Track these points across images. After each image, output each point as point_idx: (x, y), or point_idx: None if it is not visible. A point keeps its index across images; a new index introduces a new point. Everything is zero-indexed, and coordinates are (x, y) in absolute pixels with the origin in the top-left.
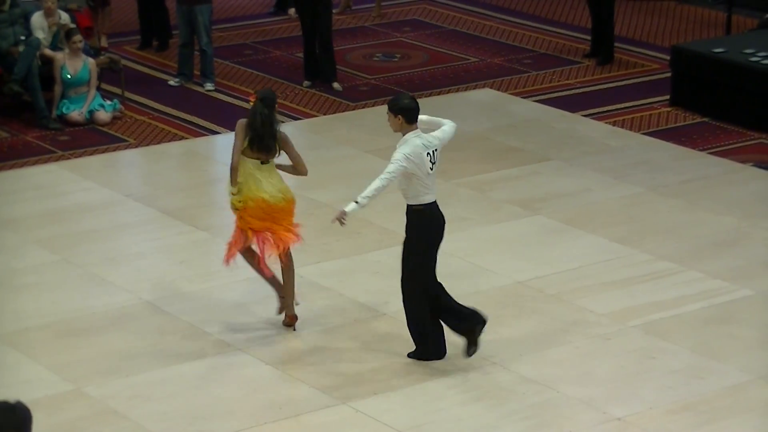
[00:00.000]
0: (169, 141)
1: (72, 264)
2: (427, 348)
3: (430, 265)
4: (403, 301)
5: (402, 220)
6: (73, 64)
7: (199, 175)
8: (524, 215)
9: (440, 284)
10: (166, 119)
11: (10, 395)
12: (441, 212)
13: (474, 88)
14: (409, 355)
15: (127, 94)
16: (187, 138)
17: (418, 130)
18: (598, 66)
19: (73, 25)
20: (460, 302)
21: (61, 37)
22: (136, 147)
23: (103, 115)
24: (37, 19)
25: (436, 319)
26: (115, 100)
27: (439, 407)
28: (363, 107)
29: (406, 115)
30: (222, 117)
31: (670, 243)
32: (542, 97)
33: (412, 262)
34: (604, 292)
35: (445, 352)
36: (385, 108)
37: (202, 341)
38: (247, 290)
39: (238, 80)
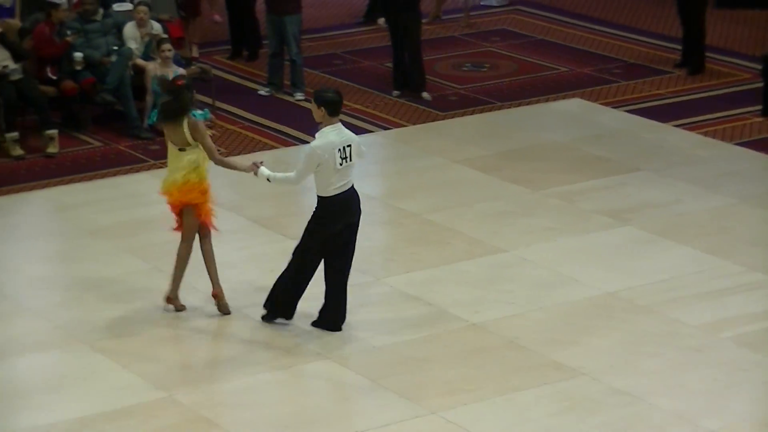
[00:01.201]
0: (259, 150)
1: (163, 272)
2: (277, 310)
3: (324, 247)
4: (287, 274)
5: (491, 231)
6: (164, 74)
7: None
8: (613, 226)
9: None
10: (256, 128)
11: (105, 403)
12: (348, 205)
13: (563, 98)
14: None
15: (218, 104)
16: (276, 147)
17: (339, 123)
18: (689, 76)
19: (164, 35)
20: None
21: (153, 47)
22: (226, 156)
23: None
24: (130, 29)
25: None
26: (206, 110)
27: (528, 417)
28: (452, 117)
29: (328, 108)
30: (311, 127)
31: (762, 254)
32: (632, 107)
33: (302, 245)
34: (696, 303)
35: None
36: (474, 118)
37: (291, 349)
38: None
39: None
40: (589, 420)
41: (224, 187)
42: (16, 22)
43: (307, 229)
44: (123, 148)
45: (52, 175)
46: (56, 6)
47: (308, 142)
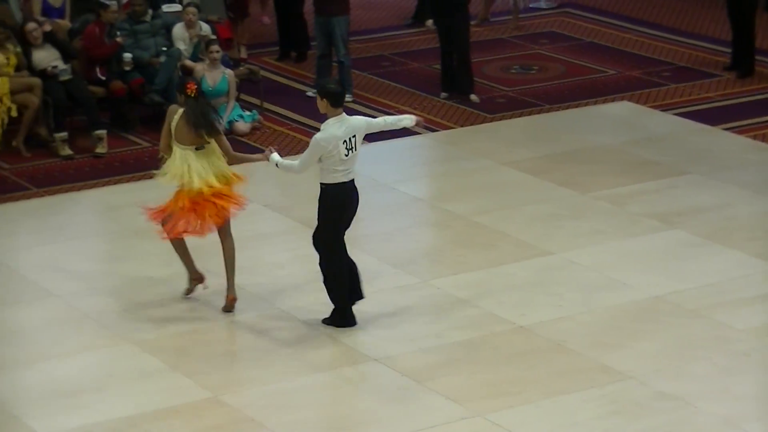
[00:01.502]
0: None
1: (211, 273)
2: (344, 315)
3: (338, 238)
4: (327, 273)
5: (539, 233)
6: (212, 76)
7: None
8: (662, 229)
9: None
10: (304, 130)
11: (151, 403)
12: (352, 193)
13: (611, 101)
14: (325, 321)
15: (266, 105)
16: None
17: (343, 114)
18: (738, 79)
19: (213, 36)
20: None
21: (201, 49)
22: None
23: (242, 126)
24: (179, 30)
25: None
26: (254, 111)
27: (574, 421)
28: (500, 119)
29: (330, 99)
30: None
31: None
32: (680, 110)
33: (323, 238)
34: (744, 307)
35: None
36: (522, 120)
37: (339, 351)
38: (383, 301)
39: (376, 92)
40: (636, 424)
41: (273, 189)
42: (65, 22)
43: (323, 224)
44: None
45: (101, 175)
46: (106, 7)
47: None
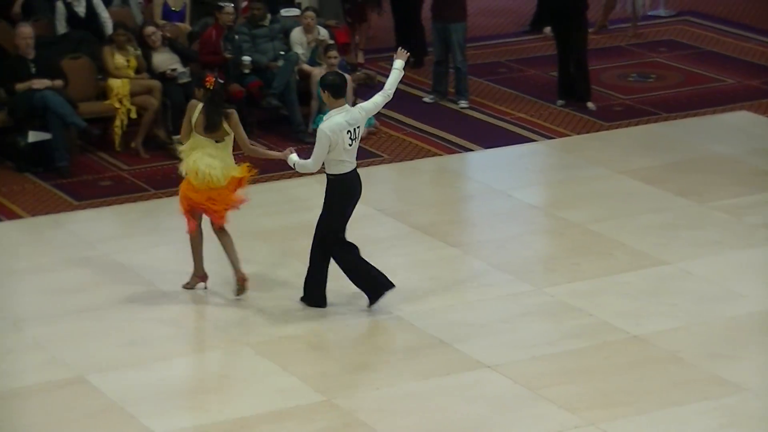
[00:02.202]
0: (422, 157)
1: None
2: (376, 288)
3: (341, 228)
4: (339, 263)
5: (654, 243)
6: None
7: (451, 192)
8: None
9: (350, 244)
10: (420, 135)
11: (264, 404)
12: (357, 182)
13: (730, 111)
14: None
15: (382, 110)
16: (439, 154)
17: (346, 105)
18: None
19: (331, 41)
20: None
21: (319, 53)
22: (390, 162)
23: None
24: (297, 34)
25: (325, 267)
26: (371, 116)
27: None
28: (616, 127)
29: (331, 90)
30: (475, 134)
31: None
32: None
33: (324, 226)
34: None
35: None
36: (639, 129)
37: (451, 357)
38: (496, 308)
39: (492, 98)
40: None
41: (388, 194)
42: (185, 26)
43: (330, 214)
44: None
45: None
46: (221, 8)
47: (472, 150)
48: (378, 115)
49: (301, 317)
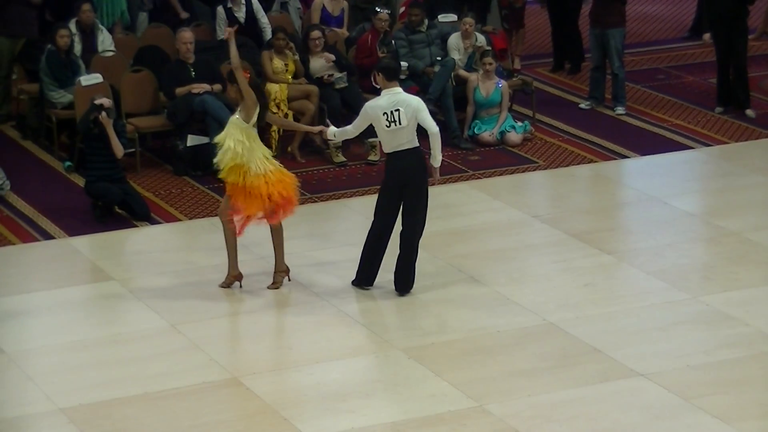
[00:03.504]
0: (578, 164)
1: (478, 282)
2: (364, 276)
3: (390, 206)
4: (371, 230)
5: None
6: (486, 86)
7: (607, 199)
8: None
9: (388, 231)
10: (576, 142)
11: (416, 409)
12: (402, 168)
13: None
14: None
15: (538, 116)
16: (596, 161)
17: (397, 88)
18: None
19: (488, 47)
20: None
21: (476, 59)
22: (545, 169)
23: (514, 137)
24: (454, 40)
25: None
26: (526, 122)
27: None
28: None
29: (384, 73)
30: (632, 141)
31: None
32: None
33: (378, 202)
34: None
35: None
36: None
37: (606, 365)
38: (652, 316)
39: (649, 105)
40: None
41: (543, 201)
42: (344, 31)
43: (381, 190)
44: (443, 157)
45: (373, 182)
46: (376, 13)
47: (628, 157)
48: (533, 121)
49: (453, 324)
